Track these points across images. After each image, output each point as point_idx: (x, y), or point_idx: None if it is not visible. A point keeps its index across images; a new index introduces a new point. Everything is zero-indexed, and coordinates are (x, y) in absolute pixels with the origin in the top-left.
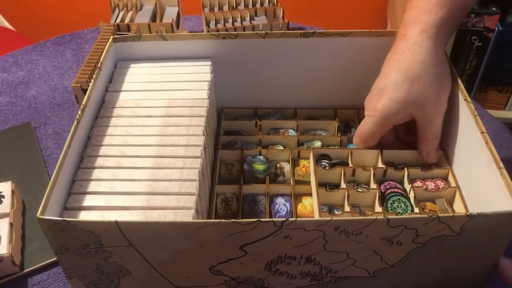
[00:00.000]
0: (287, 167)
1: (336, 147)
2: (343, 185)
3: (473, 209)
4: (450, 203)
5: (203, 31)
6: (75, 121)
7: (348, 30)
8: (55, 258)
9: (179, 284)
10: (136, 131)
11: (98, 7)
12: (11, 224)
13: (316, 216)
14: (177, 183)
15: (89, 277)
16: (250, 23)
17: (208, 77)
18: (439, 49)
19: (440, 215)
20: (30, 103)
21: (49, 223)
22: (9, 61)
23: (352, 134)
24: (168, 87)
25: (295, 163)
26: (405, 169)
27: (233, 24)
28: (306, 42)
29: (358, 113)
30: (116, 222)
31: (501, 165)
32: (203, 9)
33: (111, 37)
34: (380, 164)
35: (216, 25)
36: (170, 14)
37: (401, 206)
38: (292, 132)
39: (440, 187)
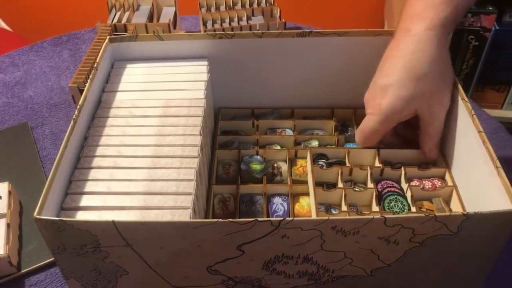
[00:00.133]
0: (284, 166)
1: (333, 146)
2: (340, 185)
3: (470, 208)
4: (447, 202)
5: (200, 31)
6: (72, 121)
7: (345, 30)
8: (52, 259)
9: (177, 284)
10: (133, 131)
11: (95, 7)
12: (8, 225)
13: (313, 216)
14: (174, 183)
15: (87, 277)
16: (247, 23)
17: (205, 77)
18: (443, 46)
19: (437, 214)
20: (27, 103)
21: (46, 223)
22: (5, 61)
23: (349, 133)
24: (165, 87)
25: (292, 162)
26: (402, 168)
27: (230, 24)
28: (303, 41)
29: (355, 113)
30: (113, 222)
31: (498, 164)
32: (200, 9)
33: (108, 37)
34: (377, 163)
35: (213, 25)
36: (167, 14)
37: (398, 205)
38: (289, 132)
39: (437, 186)
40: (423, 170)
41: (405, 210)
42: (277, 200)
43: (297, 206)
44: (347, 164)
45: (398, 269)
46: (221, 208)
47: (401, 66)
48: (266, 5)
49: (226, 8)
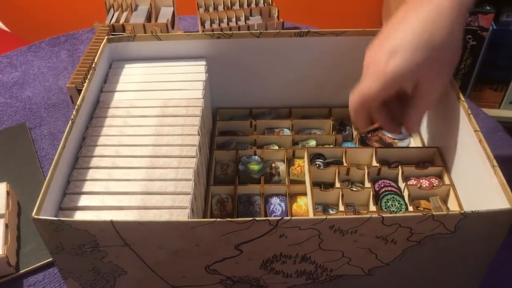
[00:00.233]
0: (282, 166)
1: (331, 146)
2: (337, 184)
3: (467, 207)
4: (445, 201)
5: (198, 31)
6: (70, 122)
7: (343, 30)
8: (51, 259)
9: (175, 283)
10: (131, 131)
11: (93, 7)
12: (6, 225)
13: (311, 216)
14: (172, 182)
15: (85, 277)
16: (245, 23)
17: (203, 76)
18: (461, 24)
19: (434, 213)
20: (25, 104)
21: (45, 223)
22: (3, 62)
23: (347, 132)
24: (163, 87)
25: (290, 162)
26: (399, 167)
27: (228, 24)
28: (301, 41)
29: None
30: (111, 222)
31: (495, 163)
32: (198, 9)
33: (106, 37)
34: (374, 163)
35: (211, 25)
36: (165, 14)
37: (395, 205)
38: (287, 132)
39: (434, 185)
40: (420, 169)
41: (402, 210)
42: (275, 200)
43: (294, 206)
44: (345, 164)
45: (396, 268)
46: (219, 209)
47: (418, 31)
48: (264, 5)
49: (224, 8)
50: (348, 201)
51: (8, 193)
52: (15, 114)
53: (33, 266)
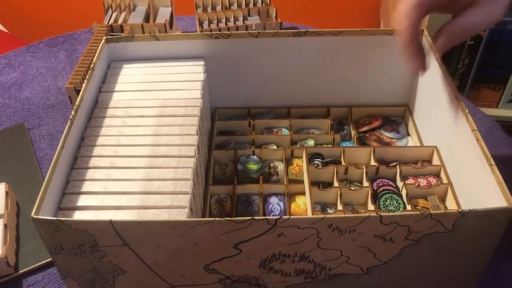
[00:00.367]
0: (280, 166)
1: (330, 145)
2: (335, 184)
3: (465, 206)
4: (442, 200)
5: (196, 31)
6: (69, 122)
7: (341, 29)
8: (50, 259)
9: (174, 283)
10: (129, 131)
11: (91, 8)
12: (5, 225)
13: (309, 215)
14: (171, 182)
15: (84, 277)
16: (243, 23)
17: (201, 76)
18: None
19: (432, 212)
20: (23, 104)
21: (44, 223)
22: (2, 62)
23: (345, 132)
24: (161, 87)
25: (288, 162)
26: (397, 166)
27: (226, 24)
28: (299, 41)
29: (351, 111)
30: (110, 222)
31: (492, 162)
32: (196, 10)
33: (104, 37)
34: (372, 162)
35: (209, 25)
36: (163, 14)
37: (393, 204)
38: (285, 131)
39: (432, 184)
40: (418, 168)
41: (400, 208)
42: (274, 200)
43: (293, 206)
44: (343, 163)
45: (394, 267)
46: (218, 209)
47: None
48: (262, 5)
49: (222, 8)
50: (346, 200)
51: (7, 193)
52: (13, 115)
53: (32, 266)
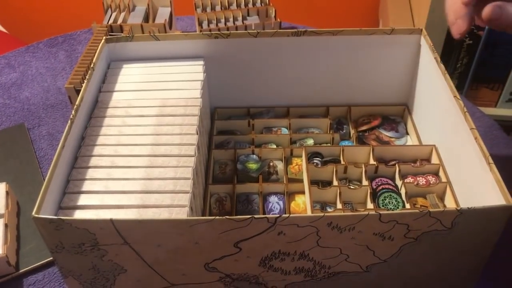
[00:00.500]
0: (280, 165)
1: (329, 144)
2: (335, 183)
3: (464, 204)
4: (441, 198)
5: (195, 31)
6: (69, 121)
7: (339, 29)
8: (50, 258)
9: (174, 281)
10: (129, 131)
11: (91, 8)
12: (6, 225)
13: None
14: (171, 181)
15: (85, 276)
16: (243, 23)
17: (201, 76)
18: None
19: (431, 210)
20: (23, 104)
21: (45, 222)
22: (1, 63)
23: (344, 131)
24: (161, 86)
25: (288, 161)
26: (396, 165)
27: (225, 24)
28: (298, 41)
29: (350, 110)
30: (111, 220)
31: (491, 160)
32: (196, 10)
33: (104, 37)
34: (371, 161)
35: (208, 25)
36: (163, 14)
37: (392, 202)
38: (284, 131)
39: (431, 182)
40: (417, 167)
41: (399, 207)
42: (273, 199)
43: (293, 205)
44: (342, 162)
45: (394, 265)
46: (218, 208)
47: None
48: (261, 5)
49: (221, 8)
50: (345, 199)
51: (7, 193)
52: (13, 115)
53: (33, 266)
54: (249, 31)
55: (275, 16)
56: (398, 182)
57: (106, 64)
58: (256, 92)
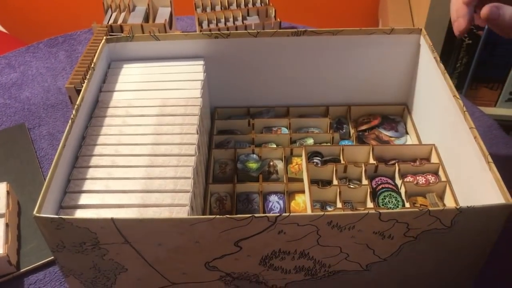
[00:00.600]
0: (280, 165)
1: (329, 144)
2: (335, 182)
3: (463, 203)
4: (441, 197)
5: (195, 31)
6: (70, 121)
7: (339, 29)
8: (51, 258)
9: (175, 280)
10: (130, 130)
11: (91, 8)
12: (7, 225)
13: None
14: (171, 180)
15: (86, 275)
16: (243, 23)
17: (201, 76)
18: None
19: (430, 209)
20: (24, 104)
21: (46, 221)
22: (2, 63)
23: (344, 130)
24: (161, 86)
25: (288, 160)
26: (396, 164)
27: (225, 24)
28: (298, 40)
29: (350, 110)
30: (112, 219)
31: (490, 159)
32: (196, 10)
33: (104, 37)
34: (371, 160)
35: (208, 25)
36: (163, 14)
37: (392, 201)
38: (284, 130)
39: (431, 181)
40: (417, 166)
41: (399, 206)
42: (273, 198)
43: (293, 204)
44: (342, 162)
45: (393, 264)
46: (218, 207)
47: None
48: (261, 5)
49: (221, 8)
50: (345, 198)
51: (8, 192)
52: (14, 115)
53: (34, 265)
54: (249, 31)
55: (275, 16)
56: (398, 181)
57: (106, 64)
58: (256, 91)
